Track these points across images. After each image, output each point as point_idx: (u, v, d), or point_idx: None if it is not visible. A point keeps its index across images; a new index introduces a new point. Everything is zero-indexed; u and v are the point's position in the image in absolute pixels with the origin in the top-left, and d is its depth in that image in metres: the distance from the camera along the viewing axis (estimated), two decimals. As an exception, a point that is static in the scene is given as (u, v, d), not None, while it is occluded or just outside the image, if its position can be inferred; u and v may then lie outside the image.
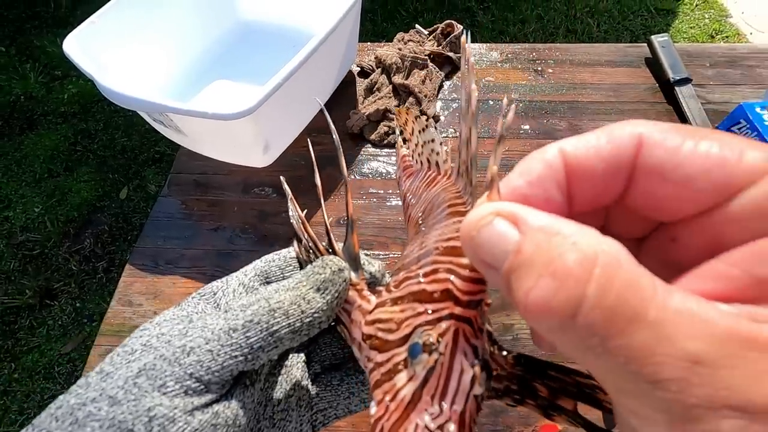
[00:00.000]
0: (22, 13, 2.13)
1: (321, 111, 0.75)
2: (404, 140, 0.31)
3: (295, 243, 0.23)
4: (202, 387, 0.16)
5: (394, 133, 0.71)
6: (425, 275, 0.16)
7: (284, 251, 0.22)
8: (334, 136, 0.21)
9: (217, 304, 0.20)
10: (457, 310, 0.15)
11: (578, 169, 0.13)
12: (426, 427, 0.14)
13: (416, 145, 0.28)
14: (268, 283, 0.21)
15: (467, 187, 0.19)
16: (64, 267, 1.41)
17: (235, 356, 0.17)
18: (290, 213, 0.23)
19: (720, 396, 0.09)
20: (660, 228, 0.15)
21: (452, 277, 0.16)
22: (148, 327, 0.18)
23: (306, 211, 0.23)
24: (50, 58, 1.94)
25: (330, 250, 0.21)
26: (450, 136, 0.72)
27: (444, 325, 0.15)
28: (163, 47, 0.72)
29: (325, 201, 0.65)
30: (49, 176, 1.61)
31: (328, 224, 0.21)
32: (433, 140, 0.26)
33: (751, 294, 0.11)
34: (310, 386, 0.22)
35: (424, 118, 0.27)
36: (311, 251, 0.21)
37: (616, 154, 0.13)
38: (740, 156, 0.11)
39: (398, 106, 0.74)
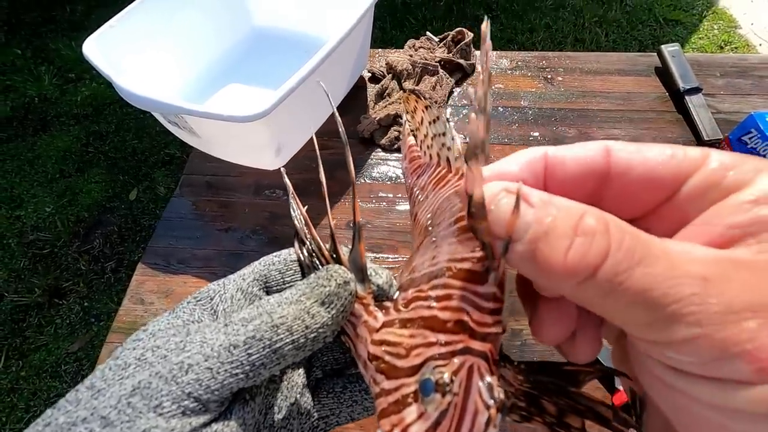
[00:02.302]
0: (39, 16, 2.17)
1: (332, 115, 0.76)
2: (412, 130, 0.29)
3: (297, 243, 0.22)
4: (201, 407, 0.15)
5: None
6: (438, 299, 0.15)
7: (284, 253, 0.22)
8: (340, 129, 0.20)
9: (214, 311, 0.19)
10: (472, 344, 0.14)
11: (557, 167, 0.16)
12: None
13: (425, 136, 0.26)
14: (268, 287, 0.21)
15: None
16: (73, 266, 1.43)
17: (236, 374, 0.16)
18: (292, 212, 0.22)
19: (738, 301, 0.11)
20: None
21: (470, 309, 0.15)
22: (142, 337, 0.17)
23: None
24: (65, 61, 1.98)
25: (334, 255, 0.20)
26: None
27: (457, 361, 0.14)
28: (179, 51, 0.73)
29: (335, 204, 0.65)
30: (61, 177, 1.63)
31: (332, 226, 0.20)
32: (444, 134, 0.24)
33: (718, 244, 0.13)
34: (310, 394, 0.21)
35: (435, 107, 0.25)
36: (314, 255, 0.20)
37: (590, 158, 0.15)
38: (685, 152, 0.14)
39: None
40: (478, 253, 0.15)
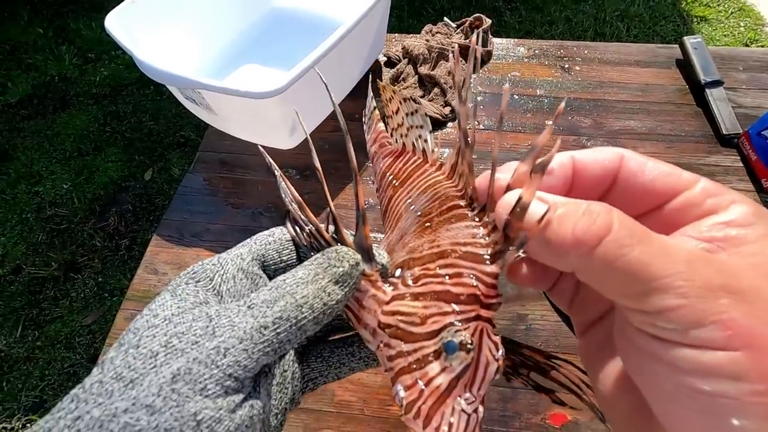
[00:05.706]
0: (61, -4, 2.20)
1: (347, 97, 0.76)
2: (384, 117, 0.31)
3: (289, 224, 0.23)
4: (239, 385, 0.17)
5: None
6: (450, 277, 0.19)
7: (277, 232, 0.23)
8: (342, 128, 0.21)
9: (217, 292, 0.20)
10: (482, 312, 0.18)
11: (583, 169, 0.19)
12: (462, 410, 0.17)
13: (399, 125, 0.28)
14: (265, 265, 0.22)
15: (468, 190, 0.22)
16: (89, 242, 1.46)
17: (267, 352, 0.17)
18: (282, 194, 0.23)
19: (715, 282, 0.13)
20: None
21: (479, 284, 0.18)
22: (157, 324, 0.18)
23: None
24: (85, 41, 2.00)
25: (335, 236, 0.21)
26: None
27: (473, 325, 0.18)
28: (198, 30, 0.74)
29: (345, 184, 0.66)
30: (79, 155, 1.66)
31: (333, 210, 0.21)
32: (421, 126, 0.27)
33: None
34: (299, 360, 0.23)
35: (413, 102, 0.28)
36: (313, 237, 0.22)
37: (608, 162, 0.18)
38: (680, 173, 0.17)
39: (423, 96, 0.75)
40: (482, 240, 0.19)
